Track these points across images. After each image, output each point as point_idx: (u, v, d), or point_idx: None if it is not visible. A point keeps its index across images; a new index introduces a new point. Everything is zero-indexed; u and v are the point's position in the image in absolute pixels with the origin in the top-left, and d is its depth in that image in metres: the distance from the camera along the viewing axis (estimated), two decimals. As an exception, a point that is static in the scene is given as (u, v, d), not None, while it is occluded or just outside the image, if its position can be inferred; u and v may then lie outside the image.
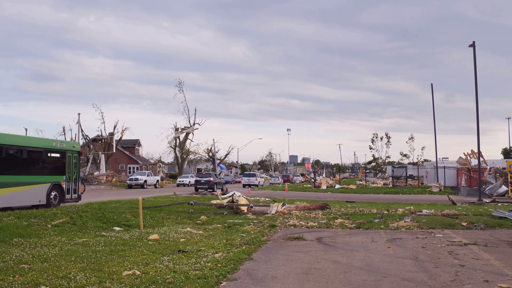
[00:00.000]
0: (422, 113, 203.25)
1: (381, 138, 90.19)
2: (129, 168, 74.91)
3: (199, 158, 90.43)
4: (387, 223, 15.46)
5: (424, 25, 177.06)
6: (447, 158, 70.41)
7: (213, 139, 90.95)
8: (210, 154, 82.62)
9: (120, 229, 14.28)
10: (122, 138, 65.70)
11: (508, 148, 73.20)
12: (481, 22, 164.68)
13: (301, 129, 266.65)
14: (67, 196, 20.98)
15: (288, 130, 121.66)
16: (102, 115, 61.74)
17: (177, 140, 73.81)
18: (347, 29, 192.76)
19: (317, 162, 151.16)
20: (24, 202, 18.44)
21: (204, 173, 50.47)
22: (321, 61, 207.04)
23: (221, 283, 7.35)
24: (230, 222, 15.95)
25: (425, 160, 77.65)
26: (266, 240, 12.14)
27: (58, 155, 20.78)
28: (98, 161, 56.97)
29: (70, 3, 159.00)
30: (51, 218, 14.63)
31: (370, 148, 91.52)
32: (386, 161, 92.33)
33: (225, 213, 18.59)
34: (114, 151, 61.06)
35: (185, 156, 75.93)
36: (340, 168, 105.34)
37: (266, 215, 18.30)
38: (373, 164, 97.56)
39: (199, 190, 39.97)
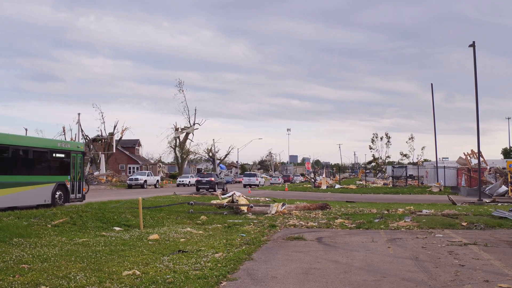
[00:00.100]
0: (422, 113, 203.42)
1: (381, 138, 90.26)
2: (129, 168, 74.92)
3: (199, 158, 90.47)
4: (387, 223, 15.46)
5: (424, 25, 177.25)
6: (447, 158, 70.44)
7: (213, 139, 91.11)
8: (210, 154, 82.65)
9: (120, 229, 14.28)
10: (122, 138, 65.72)
11: (508, 148, 73.21)
12: (481, 22, 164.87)
13: (301, 129, 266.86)
14: (72, 196, 21.26)
15: (288, 130, 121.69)
16: (102, 115, 61.82)
17: (177, 140, 73.87)
18: (347, 29, 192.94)
19: (317, 162, 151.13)
20: (29, 202, 18.65)
21: (205, 173, 50.76)
22: (321, 61, 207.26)
23: (221, 283, 7.35)
24: (230, 222, 15.95)
25: (425, 160, 77.66)
26: (266, 240, 12.14)
27: (62, 155, 21.05)
28: (98, 161, 56.97)
29: (70, 3, 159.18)
30: (51, 218, 14.62)
31: (370, 148, 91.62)
32: (386, 161, 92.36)
33: (225, 213, 18.59)
34: (114, 151, 61.06)
35: (185, 156, 75.96)
36: (340, 168, 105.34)
37: (266, 215, 18.30)
38: (373, 164, 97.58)
39: (201, 190, 40.15)
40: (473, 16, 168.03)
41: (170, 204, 20.14)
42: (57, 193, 20.27)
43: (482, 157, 35.98)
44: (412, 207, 20.67)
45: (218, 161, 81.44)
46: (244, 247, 10.76)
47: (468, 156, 41.71)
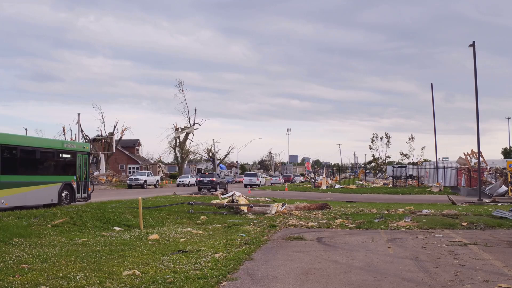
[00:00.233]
0: (422, 113, 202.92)
1: (381, 138, 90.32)
2: (129, 168, 74.94)
3: (199, 158, 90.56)
4: (387, 223, 15.46)
5: (423, 25, 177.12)
6: (447, 158, 70.31)
7: (213, 139, 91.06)
8: (210, 154, 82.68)
9: (120, 229, 14.29)
10: (122, 138, 65.72)
11: (508, 148, 73.20)
12: (481, 22, 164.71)
13: (301, 129, 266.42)
14: (78, 196, 21.61)
15: (288, 130, 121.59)
16: (102, 115, 61.80)
17: (177, 140, 73.90)
18: (346, 29, 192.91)
19: (317, 162, 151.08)
20: (37, 201, 18.90)
21: (207, 173, 51.15)
22: (321, 61, 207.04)
23: (221, 283, 7.35)
24: (230, 222, 15.96)
25: (425, 160, 77.65)
26: (266, 240, 12.14)
27: (69, 155, 21.45)
28: (98, 160, 56.97)
29: (69, 3, 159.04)
30: (51, 218, 14.62)
31: (370, 148, 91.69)
32: (386, 161, 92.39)
33: (225, 213, 18.60)
34: (114, 151, 61.08)
35: (185, 156, 75.99)
36: (340, 168, 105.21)
37: (266, 215, 18.31)
38: (373, 164, 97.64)
39: (202, 189, 40.54)
40: (473, 16, 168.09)
41: (170, 204, 20.15)
42: (64, 192, 20.61)
43: (482, 157, 36.00)
44: (412, 207, 20.68)
45: (218, 161, 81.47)
46: (244, 247, 10.76)
47: (468, 156, 41.71)
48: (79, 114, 55.42)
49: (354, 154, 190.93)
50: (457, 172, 46.40)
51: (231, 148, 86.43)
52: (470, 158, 41.35)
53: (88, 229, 13.98)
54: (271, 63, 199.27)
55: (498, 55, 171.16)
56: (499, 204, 24.23)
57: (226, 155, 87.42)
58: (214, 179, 44.07)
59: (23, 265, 8.31)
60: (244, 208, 19.17)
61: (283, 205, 20.35)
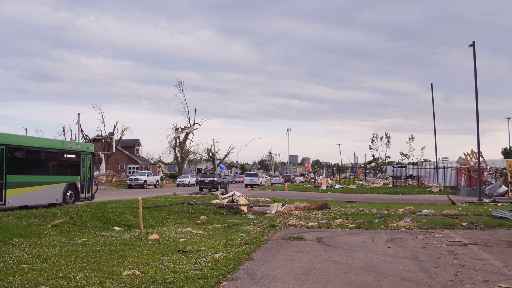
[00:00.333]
0: (422, 113, 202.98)
1: (381, 138, 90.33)
2: (129, 168, 74.94)
3: (199, 158, 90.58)
4: (387, 223, 15.46)
5: (423, 25, 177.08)
6: (447, 158, 70.29)
7: (213, 139, 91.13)
8: (210, 154, 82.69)
9: (120, 229, 14.29)
10: (122, 138, 65.68)
11: (508, 148, 73.20)
12: (481, 22, 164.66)
13: (301, 129, 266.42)
14: (82, 195, 21.82)
15: (288, 130, 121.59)
16: (102, 115, 61.69)
17: (177, 140, 73.89)
18: (346, 29, 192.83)
19: (317, 162, 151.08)
20: (42, 201, 19.07)
21: (208, 173, 51.49)
22: (321, 61, 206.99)
23: (221, 283, 7.35)
24: (230, 222, 15.96)
25: (425, 160, 77.64)
26: (266, 240, 12.14)
27: (73, 156, 21.70)
28: (101, 161, 56.95)
29: (69, 3, 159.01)
30: (51, 218, 14.62)
31: (370, 148, 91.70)
32: (386, 161, 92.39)
33: (225, 213, 18.60)
34: (114, 151, 61.06)
35: (185, 156, 75.99)
36: (340, 168, 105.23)
37: (266, 215, 18.31)
38: (373, 164, 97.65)
39: (204, 189, 40.89)
40: (473, 16, 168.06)
41: (170, 204, 20.15)
42: (68, 192, 20.81)
43: (482, 157, 36.00)
44: (412, 207, 20.68)
45: (218, 161, 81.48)
46: (244, 247, 10.76)
47: (468, 156, 41.71)
48: (79, 114, 55.42)
49: (354, 154, 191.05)
50: (457, 172, 46.40)
51: (231, 148, 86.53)
52: (470, 158, 41.35)
53: (88, 229, 13.99)
54: (270, 63, 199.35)
55: (498, 55, 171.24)
56: (499, 204, 24.23)
57: (226, 155, 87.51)
58: (215, 179, 44.47)
59: (23, 265, 8.31)
60: (244, 208, 19.17)
61: (283, 205, 20.35)
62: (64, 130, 59.61)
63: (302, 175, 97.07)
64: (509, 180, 32.08)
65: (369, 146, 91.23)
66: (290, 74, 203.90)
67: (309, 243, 11.78)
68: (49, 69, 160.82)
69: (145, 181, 49.02)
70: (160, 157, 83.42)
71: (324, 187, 47.89)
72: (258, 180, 57.84)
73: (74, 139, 53.36)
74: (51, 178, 19.92)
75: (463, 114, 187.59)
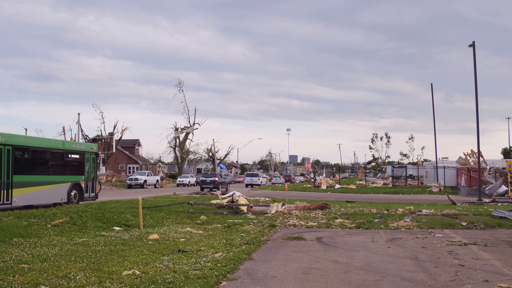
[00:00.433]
0: (422, 113, 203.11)
1: (381, 138, 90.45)
2: (129, 168, 74.93)
3: (199, 158, 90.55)
4: (387, 223, 15.46)
5: (423, 25, 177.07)
6: (447, 158, 70.32)
7: (213, 139, 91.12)
8: (210, 154, 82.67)
9: (120, 229, 14.28)
10: (122, 138, 65.70)
11: (508, 148, 73.19)
12: (481, 22, 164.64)
13: (301, 129, 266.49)
14: (86, 195, 22.13)
15: (288, 130, 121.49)
16: (102, 115, 61.71)
17: (177, 140, 73.88)
18: (346, 29, 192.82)
19: (317, 162, 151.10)
20: (47, 201, 19.29)
21: (209, 173, 51.88)
22: (321, 61, 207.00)
23: (221, 283, 7.35)
24: (230, 222, 15.95)
25: (425, 160, 77.66)
26: (266, 240, 12.14)
27: (77, 156, 22.04)
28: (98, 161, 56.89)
29: (69, 3, 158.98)
30: (51, 218, 14.61)
31: (370, 148, 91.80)
32: (386, 161, 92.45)
33: (225, 213, 18.60)
34: (114, 151, 61.05)
35: (185, 156, 75.99)
36: (340, 168, 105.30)
37: (266, 215, 18.31)
38: (373, 164, 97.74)
39: (205, 189, 41.12)
40: (473, 16, 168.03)
41: (170, 204, 20.15)
42: (72, 192, 21.13)
43: (482, 157, 36.00)
44: (412, 207, 20.68)
45: (218, 161, 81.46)
46: (244, 247, 10.76)
47: (468, 156, 41.70)
48: (79, 114, 55.44)
49: (354, 154, 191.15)
50: (457, 172, 46.40)
51: (231, 148, 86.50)
52: (470, 158, 41.35)
53: (88, 229, 13.98)
54: (270, 63, 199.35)
55: (498, 55, 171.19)
56: (499, 204, 24.23)
57: (226, 155, 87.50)
58: (217, 179, 45.00)
59: (23, 265, 8.31)
60: (244, 208, 19.16)
61: (283, 205, 20.34)
62: (64, 130, 59.66)
63: (302, 175, 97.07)
64: (509, 180, 32.08)
65: (369, 146, 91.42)
66: (290, 74, 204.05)
67: (309, 243, 11.78)
68: (49, 69, 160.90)
69: (145, 181, 49.02)
70: (160, 157, 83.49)
71: (324, 187, 47.89)
72: (259, 180, 58.34)
73: (74, 139, 53.36)
74: (56, 178, 20.26)
75: (463, 114, 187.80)
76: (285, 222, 15.97)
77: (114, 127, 62.27)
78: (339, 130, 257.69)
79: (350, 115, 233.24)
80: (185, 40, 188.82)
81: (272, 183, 67.01)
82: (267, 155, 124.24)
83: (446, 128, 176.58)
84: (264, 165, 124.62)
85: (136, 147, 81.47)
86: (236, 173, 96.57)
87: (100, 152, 26.27)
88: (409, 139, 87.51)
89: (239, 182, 73.47)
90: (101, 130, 61.60)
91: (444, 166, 49.32)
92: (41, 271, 7.85)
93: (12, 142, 17.93)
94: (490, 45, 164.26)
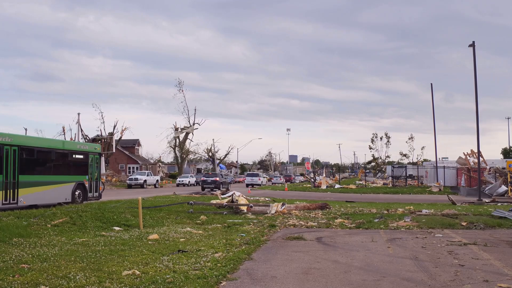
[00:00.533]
0: (421, 113, 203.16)
1: (381, 138, 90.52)
2: (129, 168, 74.90)
3: (198, 158, 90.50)
4: (386, 223, 15.46)
5: (423, 25, 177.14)
6: (447, 158, 70.26)
7: (213, 139, 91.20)
8: (210, 154, 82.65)
9: (120, 229, 14.28)
10: (122, 138, 65.67)
11: (508, 148, 73.19)
12: (481, 22, 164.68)
13: (301, 129, 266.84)
14: (90, 195, 22.40)
15: (288, 130, 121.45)
16: (101, 115, 61.65)
17: (177, 140, 73.85)
18: (346, 29, 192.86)
19: (316, 162, 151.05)
20: (51, 200, 19.49)
21: (210, 173, 52.08)
22: (320, 61, 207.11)
23: (221, 283, 7.35)
24: (230, 222, 15.95)
25: (425, 160, 77.65)
26: (265, 240, 12.14)
27: (81, 156, 22.32)
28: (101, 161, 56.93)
29: (69, 3, 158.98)
30: (50, 218, 14.61)
31: (370, 148, 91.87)
32: (386, 161, 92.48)
33: (224, 213, 18.59)
34: (114, 151, 61.03)
35: (184, 156, 75.96)
36: (339, 168, 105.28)
37: (266, 215, 18.30)
38: (373, 164, 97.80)
39: (206, 189, 41.29)
40: (473, 16, 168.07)
41: (170, 204, 20.14)
42: (77, 192, 21.36)
43: (482, 157, 35.99)
44: (411, 207, 20.68)
45: (218, 161, 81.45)
46: (243, 247, 10.76)
47: (468, 156, 41.69)
48: (79, 114, 55.40)
49: (354, 154, 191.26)
50: (457, 172, 46.40)
51: (230, 148, 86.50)
52: (470, 158, 41.34)
53: (88, 229, 13.98)
54: (270, 63, 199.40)
55: (498, 55, 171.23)
56: (499, 204, 24.23)
57: (226, 155, 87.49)
58: (218, 178, 45.32)
59: (23, 265, 8.31)
60: (244, 208, 19.16)
61: (282, 205, 20.33)
62: (64, 130, 59.66)
63: (302, 175, 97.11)
64: (508, 180, 32.07)
65: (369, 146, 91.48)
66: (290, 74, 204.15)
67: (309, 243, 11.78)
68: (49, 69, 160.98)
69: (145, 181, 49.01)
70: (160, 157, 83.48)
71: (324, 187, 47.88)
72: (259, 180, 58.73)
73: (74, 139, 53.35)
74: (60, 178, 20.55)
75: (463, 114, 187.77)
76: (285, 222, 15.97)
77: (114, 127, 62.30)
78: (339, 130, 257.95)
79: (350, 115, 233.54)
80: (185, 40, 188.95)
81: (272, 183, 67.10)
82: (267, 155, 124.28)
83: (446, 128, 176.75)
84: (264, 165, 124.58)
85: (136, 147, 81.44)
86: (236, 173, 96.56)
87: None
88: (409, 139, 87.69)
89: (239, 182, 73.52)
90: (101, 130, 61.59)
91: (444, 166, 49.32)
92: (41, 271, 7.85)
93: (18, 142, 18.27)
94: (490, 45, 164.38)
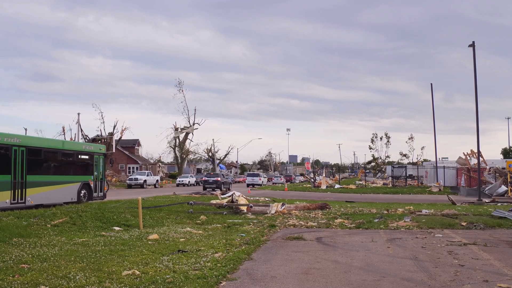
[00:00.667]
0: (421, 113, 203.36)
1: (381, 138, 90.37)
2: (129, 168, 74.90)
3: (198, 158, 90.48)
4: (386, 223, 15.46)
5: (423, 25, 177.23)
6: (447, 158, 70.30)
7: (213, 139, 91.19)
8: (210, 154, 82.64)
9: (120, 229, 14.28)
10: (122, 138, 65.57)
11: (508, 148, 73.18)
12: (481, 22, 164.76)
13: (301, 129, 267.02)
14: (95, 194, 22.74)
15: (288, 130, 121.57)
16: (101, 115, 61.56)
17: (177, 140, 73.82)
18: (346, 29, 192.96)
19: (316, 162, 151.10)
20: (58, 200, 19.82)
21: (212, 173, 52.32)
22: (320, 61, 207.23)
23: (221, 283, 7.35)
24: (230, 222, 15.95)
25: (425, 160, 77.65)
26: (265, 240, 12.14)
27: (87, 157, 22.68)
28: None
29: (69, 3, 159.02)
30: (50, 218, 14.61)
31: (370, 148, 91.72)
32: (386, 161, 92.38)
33: (224, 213, 18.59)
34: (114, 151, 60.96)
35: (184, 156, 75.93)
36: (339, 168, 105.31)
37: (266, 215, 18.30)
38: (372, 164, 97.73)
39: (208, 189, 41.53)
40: (473, 16, 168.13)
41: (170, 204, 20.14)
42: (82, 191, 21.71)
43: (482, 157, 35.99)
44: (411, 207, 20.68)
45: (218, 161, 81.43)
46: (243, 247, 10.76)
47: (467, 156, 41.69)
48: (78, 114, 55.36)
49: (354, 154, 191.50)
50: (457, 172, 46.40)
51: (230, 148, 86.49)
52: (470, 158, 41.34)
53: (88, 229, 13.98)
54: (270, 63, 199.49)
55: (498, 55, 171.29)
56: (499, 204, 24.23)
57: (226, 155, 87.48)
58: (219, 178, 45.53)
59: (23, 265, 8.31)
60: (244, 208, 19.16)
61: (282, 205, 20.33)
62: (64, 130, 59.59)
63: (301, 175, 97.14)
64: (508, 180, 32.07)
65: (369, 146, 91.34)
66: (290, 74, 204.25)
67: (308, 243, 11.78)
68: (49, 69, 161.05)
69: (145, 181, 49.04)
70: (160, 157, 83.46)
71: (323, 187, 47.88)
72: (260, 180, 59.19)
73: (73, 139, 53.35)
74: (66, 178, 20.93)
75: (463, 114, 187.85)
76: (285, 222, 15.97)
77: (114, 127, 62.20)
78: (339, 130, 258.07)
79: (350, 115, 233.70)
80: (185, 40, 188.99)
81: (273, 183, 67.19)
82: (267, 155, 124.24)
83: (446, 128, 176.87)
84: (264, 165, 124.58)
85: (136, 147, 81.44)
86: (236, 173, 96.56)
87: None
88: (409, 139, 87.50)
89: (239, 182, 73.55)
90: (101, 130, 61.51)
91: (444, 166, 49.33)
92: (41, 271, 7.85)
93: (25, 143, 18.67)
94: (490, 45, 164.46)
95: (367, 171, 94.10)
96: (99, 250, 10.12)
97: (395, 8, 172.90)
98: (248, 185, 56.28)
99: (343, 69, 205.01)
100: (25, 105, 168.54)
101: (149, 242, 11.49)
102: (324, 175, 63.68)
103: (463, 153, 42.65)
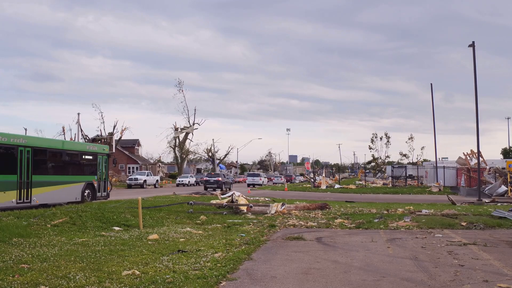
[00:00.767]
0: (421, 113, 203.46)
1: (381, 138, 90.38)
2: (129, 168, 74.90)
3: (198, 158, 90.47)
4: (386, 223, 15.46)
5: (423, 25, 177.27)
6: (447, 158, 70.26)
7: (213, 139, 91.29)
8: (210, 154, 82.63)
9: (120, 229, 14.27)
10: (122, 138, 65.63)
11: (508, 148, 73.18)
12: (481, 22, 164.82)
13: (301, 129, 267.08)
14: (98, 194, 23.09)
15: (288, 130, 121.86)
16: (101, 115, 61.60)
17: (177, 140, 73.82)
18: (346, 29, 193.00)
19: (316, 162, 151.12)
20: (62, 199, 20.12)
21: (213, 173, 52.60)
22: (320, 61, 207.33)
23: (221, 283, 7.35)
24: (230, 222, 15.94)
25: (425, 160, 77.65)
26: (265, 240, 12.14)
27: (90, 157, 23.00)
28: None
29: (68, 3, 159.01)
30: (50, 218, 14.61)
31: (370, 148, 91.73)
32: (386, 161, 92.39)
33: (224, 213, 18.59)
34: (114, 151, 60.94)
35: (184, 156, 75.93)
36: (339, 168, 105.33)
37: (266, 215, 18.30)
38: (372, 164, 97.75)
39: (209, 189, 41.71)
40: (473, 16, 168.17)
41: (170, 204, 20.13)
42: (86, 191, 22.12)
43: (482, 157, 36.01)
44: (411, 207, 20.68)
45: (218, 161, 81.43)
46: (243, 247, 10.76)
47: (467, 156, 41.70)
48: (78, 114, 55.41)
49: (354, 154, 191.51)
50: (457, 172, 46.40)
51: (230, 148, 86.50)
52: (470, 158, 41.33)
53: (88, 229, 13.97)
54: (270, 63, 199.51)
55: (498, 55, 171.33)
56: (499, 204, 24.23)
57: (226, 155, 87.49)
58: (220, 178, 45.86)
59: (23, 265, 8.31)
60: (244, 208, 19.15)
61: (282, 205, 20.33)
62: (63, 130, 59.63)
63: (301, 175, 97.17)
64: (508, 180, 32.08)
65: (369, 146, 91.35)
66: (290, 74, 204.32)
67: (308, 243, 11.78)
68: (48, 69, 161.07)
69: (145, 181, 49.04)
70: (160, 157, 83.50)
71: (323, 187, 47.89)
72: (260, 180, 59.58)
73: (73, 139, 53.36)
74: (71, 178, 21.25)
75: (462, 114, 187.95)
76: (284, 222, 15.97)
77: (114, 127, 62.24)
78: (339, 130, 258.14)
79: (350, 115, 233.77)
80: (185, 40, 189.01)
81: (273, 183, 67.26)
82: (267, 155, 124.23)
83: (446, 128, 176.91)
84: (263, 165, 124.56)
85: (135, 147, 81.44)
86: (236, 173, 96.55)
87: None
88: (409, 139, 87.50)
89: (239, 182, 73.58)
90: (100, 130, 61.52)
91: (443, 166, 49.33)
92: (40, 271, 7.85)
93: (31, 144, 19.00)
94: (490, 45, 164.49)
95: (367, 171, 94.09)
96: (99, 250, 10.12)
97: (395, 8, 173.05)
98: (248, 185, 56.52)
99: (343, 69, 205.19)
100: (25, 105, 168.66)
101: (149, 242, 11.49)
102: (324, 175, 63.65)
103: (463, 153, 42.71)
